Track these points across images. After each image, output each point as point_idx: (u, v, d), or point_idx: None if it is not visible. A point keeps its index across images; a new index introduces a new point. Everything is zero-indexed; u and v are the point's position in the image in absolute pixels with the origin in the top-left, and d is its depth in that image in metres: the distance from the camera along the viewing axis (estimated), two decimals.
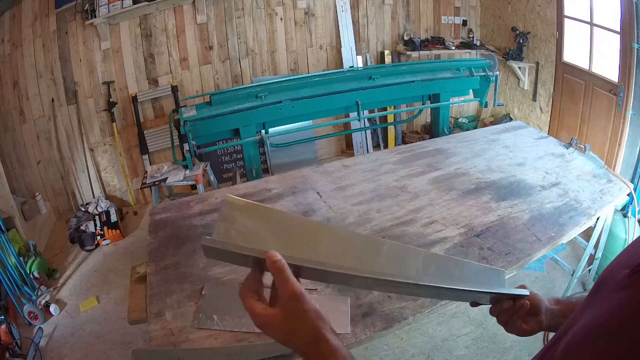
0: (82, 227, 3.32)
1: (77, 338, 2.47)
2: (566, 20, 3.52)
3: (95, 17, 3.30)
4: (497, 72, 3.29)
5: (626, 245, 0.54)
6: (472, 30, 4.58)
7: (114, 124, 3.59)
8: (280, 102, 2.83)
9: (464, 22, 4.57)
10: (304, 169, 2.22)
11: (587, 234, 2.15)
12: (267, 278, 0.57)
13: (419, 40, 4.30)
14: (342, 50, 4.15)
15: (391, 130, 4.55)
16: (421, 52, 4.21)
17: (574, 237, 1.89)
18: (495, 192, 1.93)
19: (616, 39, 2.96)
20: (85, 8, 3.31)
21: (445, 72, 3.27)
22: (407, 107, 3.96)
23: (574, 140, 2.25)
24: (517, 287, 0.77)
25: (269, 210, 0.58)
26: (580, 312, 0.49)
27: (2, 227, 2.61)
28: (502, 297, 0.74)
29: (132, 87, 3.68)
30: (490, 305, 0.75)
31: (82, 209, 3.61)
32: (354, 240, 0.64)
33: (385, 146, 4.52)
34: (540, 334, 2.21)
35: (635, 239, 0.51)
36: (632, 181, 2.48)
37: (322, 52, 4.21)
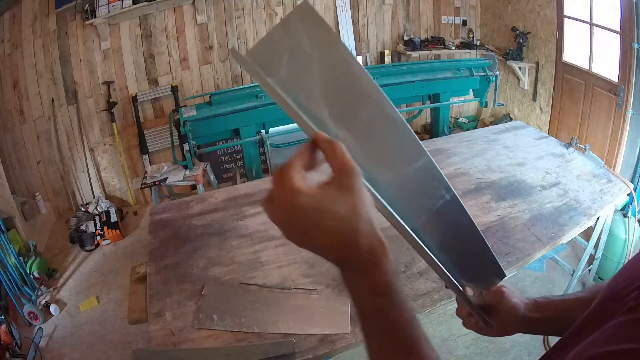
0: (82, 227, 3.32)
1: (77, 338, 2.47)
2: (566, 20, 3.52)
3: (95, 17, 3.30)
4: (497, 72, 3.30)
5: (626, 251, 0.53)
6: (472, 30, 4.58)
7: (114, 124, 3.59)
8: None
9: (464, 22, 4.57)
10: None
11: (587, 234, 2.15)
12: None
13: (419, 40, 4.30)
14: None
15: None
16: (421, 52, 4.21)
17: (574, 237, 1.89)
18: (495, 192, 1.93)
19: (616, 39, 2.96)
20: (85, 8, 3.31)
21: (445, 72, 3.27)
22: (407, 107, 3.96)
23: (574, 140, 2.25)
24: (496, 287, 0.68)
25: (337, 44, 0.46)
26: (583, 327, 0.48)
27: (2, 227, 2.61)
28: (463, 298, 0.64)
29: (132, 87, 3.67)
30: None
31: (82, 209, 3.61)
32: (395, 129, 0.50)
33: None
34: (540, 336, 2.22)
35: None
36: (632, 181, 2.48)
37: None
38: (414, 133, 0.51)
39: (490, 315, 0.69)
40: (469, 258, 0.62)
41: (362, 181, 0.41)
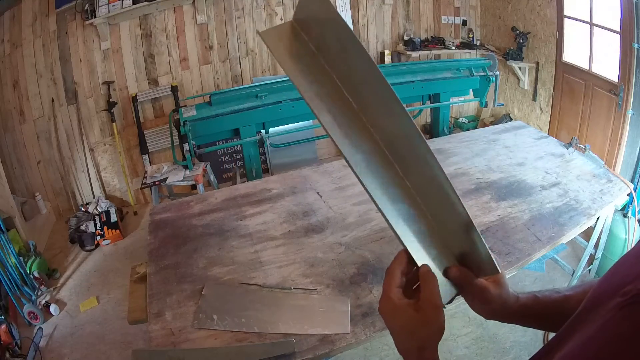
0: (82, 227, 3.32)
1: (77, 338, 2.47)
2: (566, 20, 3.52)
3: (95, 17, 3.30)
4: (497, 72, 3.30)
5: (626, 251, 0.54)
6: (472, 30, 4.58)
7: (114, 124, 3.59)
8: (280, 102, 2.83)
9: (464, 22, 4.57)
10: (304, 169, 2.22)
11: (587, 234, 2.15)
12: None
13: (419, 40, 4.30)
14: None
15: None
16: (421, 52, 4.20)
17: (574, 237, 1.89)
18: (495, 192, 1.93)
19: (616, 39, 2.96)
20: (85, 8, 3.31)
21: (445, 72, 3.27)
22: (407, 107, 3.94)
23: (574, 140, 2.25)
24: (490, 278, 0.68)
25: (353, 40, 0.51)
26: (572, 327, 0.49)
27: (2, 227, 2.61)
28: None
29: (132, 87, 3.67)
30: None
31: (82, 209, 3.61)
32: (399, 125, 0.57)
33: None
34: (540, 336, 2.22)
35: (633, 249, 0.51)
36: (632, 181, 2.48)
37: None
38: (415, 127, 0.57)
39: (473, 296, 0.67)
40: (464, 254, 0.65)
41: (443, 314, 0.56)
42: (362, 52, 0.52)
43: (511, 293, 0.67)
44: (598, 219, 1.88)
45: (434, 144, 2.48)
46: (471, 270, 0.65)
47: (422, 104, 3.51)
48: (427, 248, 0.60)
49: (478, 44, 4.45)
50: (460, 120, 4.76)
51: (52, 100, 3.46)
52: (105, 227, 3.34)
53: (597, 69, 3.29)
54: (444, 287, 0.63)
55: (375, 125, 0.56)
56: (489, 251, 0.62)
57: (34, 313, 2.53)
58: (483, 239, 0.62)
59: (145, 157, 3.68)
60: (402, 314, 0.56)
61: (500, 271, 0.65)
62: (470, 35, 4.49)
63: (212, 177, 3.04)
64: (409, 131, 0.56)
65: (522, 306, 0.68)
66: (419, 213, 0.62)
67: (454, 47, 4.33)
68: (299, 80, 0.52)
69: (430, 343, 0.56)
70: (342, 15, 4.11)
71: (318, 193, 1.95)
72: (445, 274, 0.64)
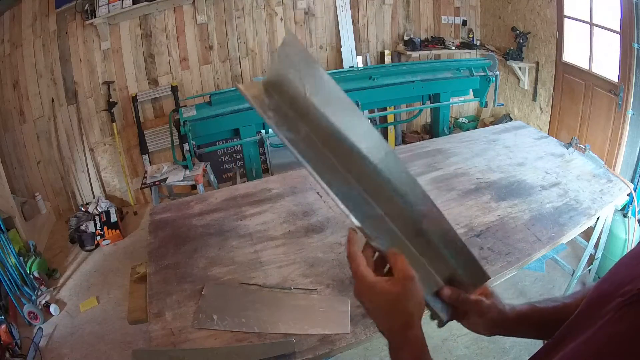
0: (82, 227, 3.32)
1: (77, 338, 2.47)
2: (566, 20, 3.52)
3: (95, 17, 3.30)
4: (497, 72, 3.30)
5: (626, 251, 0.54)
6: (472, 30, 4.58)
7: (114, 124, 3.59)
8: None
9: (464, 22, 4.57)
10: (304, 169, 2.21)
11: (587, 234, 2.15)
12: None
13: (419, 40, 4.30)
14: (342, 50, 4.15)
15: (391, 130, 4.55)
16: (421, 52, 4.20)
17: (574, 237, 1.89)
18: (495, 192, 1.93)
19: (616, 39, 2.96)
20: (85, 8, 3.31)
21: (445, 72, 3.27)
22: (407, 107, 3.96)
23: (574, 140, 2.25)
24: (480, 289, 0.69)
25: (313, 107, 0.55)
26: (572, 327, 0.49)
27: (2, 227, 2.61)
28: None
29: (132, 87, 3.68)
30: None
31: (82, 209, 3.61)
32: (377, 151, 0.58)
33: None
34: None
35: (633, 250, 0.51)
36: (632, 181, 2.48)
37: (322, 52, 4.21)
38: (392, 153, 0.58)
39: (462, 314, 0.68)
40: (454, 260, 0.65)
41: (421, 290, 0.56)
42: (321, 117, 0.55)
43: (505, 303, 0.69)
44: (598, 219, 1.88)
45: (434, 144, 2.48)
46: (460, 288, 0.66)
47: (422, 104, 3.51)
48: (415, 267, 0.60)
49: (478, 44, 4.45)
50: (460, 120, 4.76)
51: (52, 100, 3.46)
52: (105, 227, 3.34)
53: (597, 69, 3.29)
54: (439, 306, 0.65)
55: (352, 171, 0.58)
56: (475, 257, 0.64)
57: (34, 313, 2.53)
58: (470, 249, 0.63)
59: (145, 157, 3.68)
60: (380, 291, 0.54)
61: (489, 276, 0.66)
62: (470, 35, 4.49)
63: (212, 177, 3.04)
64: (391, 175, 0.58)
65: (519, 314, 0.68)
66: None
67: (454, 47, 4.33)
68: (281, 133, 0.55)
69: (413, 318, 0.55)
70: (342, 15, 4.12)
71: (318, 193, 1.95)
72: (438, 295, 0.65)
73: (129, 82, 3.66)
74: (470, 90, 3.53)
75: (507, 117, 4.40)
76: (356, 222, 0.56)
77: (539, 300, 0.71)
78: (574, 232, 1.69)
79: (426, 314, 0.65)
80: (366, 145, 0.56)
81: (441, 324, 0.68)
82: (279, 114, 0.55)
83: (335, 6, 4.11)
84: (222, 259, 1.56)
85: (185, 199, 2.01)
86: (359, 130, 0.56)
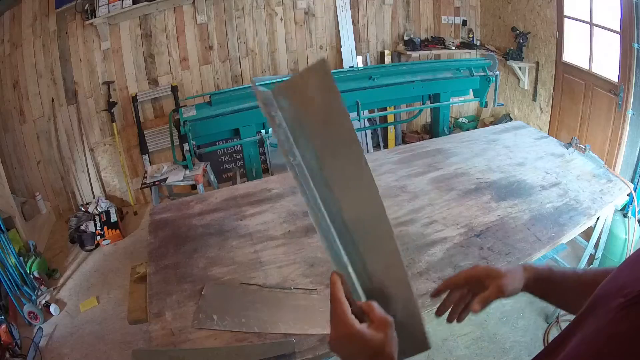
0: (82, 227, 3.32)
1: (77, 338, 2.47)
2: (566, 20, 3.52)
3: (95, 17, 3.30)
4: (497, 72, 3.29)
5: (626, 251, 0.54)
6: (472, 30, 4.58)
7: (114, 124, 3.59)
8: None
9: (464, 22, 4.57)
10: None
11: (587, 234, 2.15)
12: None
13: (419, 40, 4.30)
14: (342, 50, 4.15)
15: (391, 130, 4.55)
16: (421, 52, 4.20)
17: (574, 237, 1.89)
18: (495, 192, 1.93)
19: (616, 39, 2.96)
20: (85, 8, 3.31)
21: (445, 72, 3.27)
22: (407, 107, 3.96)
23: (574, 140, 2.25)
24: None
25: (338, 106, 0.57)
26: (575, 327, 0.49)
27: (2, 227, 2.61)
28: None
29: (132, 87, 3.68)
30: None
31: (82, 209, 3.61)
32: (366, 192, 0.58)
33: (385, 146, 4.52)
34: (540, 336, 2.22)
35: (636, 253, 0.51)
36: (632, 181, 2.48)
37: (322, 52, 4.21)
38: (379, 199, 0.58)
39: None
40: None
41: (393, 331, 0.57)
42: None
43: (520, 271, 0.75)
44: (598, 219, 1.88)
45: (434, 143, 2.48)
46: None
47: (422, 104, 3.51)
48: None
49: (478, 44, 4.45)
50: (460, 120, 4.76)
51: (52, 100, 3.46)
52: (105, 227, 3.34)
53: (597, 69, 3.29)
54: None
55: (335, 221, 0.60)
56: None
57: (34, 313, 2.53)
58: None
59: (145, 157, 3.68)
60: (369, 338, 0.54)
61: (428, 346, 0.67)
62: (470, 35, 4.49)
63: (212, 177, 3.04)
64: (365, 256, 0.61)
65: (537, 277, 0.75)
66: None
67: (454, 47, 4.33)
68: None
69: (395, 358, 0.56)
70: (342, 15, 4.12)
71: None
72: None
73: (129, 82, 3.66)
74: (470, 90, 3.53)
75: (507, 117, 4.40)
76: (334, 268, 0.59)
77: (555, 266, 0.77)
78: (574, 232, 1.69)
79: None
80: (349, 217, 0.59)
81: None
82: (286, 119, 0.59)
83: (335, 6, 4.11)
84: (222, 259, 1.56)
85: (185, 199, 2.01)
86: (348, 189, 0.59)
